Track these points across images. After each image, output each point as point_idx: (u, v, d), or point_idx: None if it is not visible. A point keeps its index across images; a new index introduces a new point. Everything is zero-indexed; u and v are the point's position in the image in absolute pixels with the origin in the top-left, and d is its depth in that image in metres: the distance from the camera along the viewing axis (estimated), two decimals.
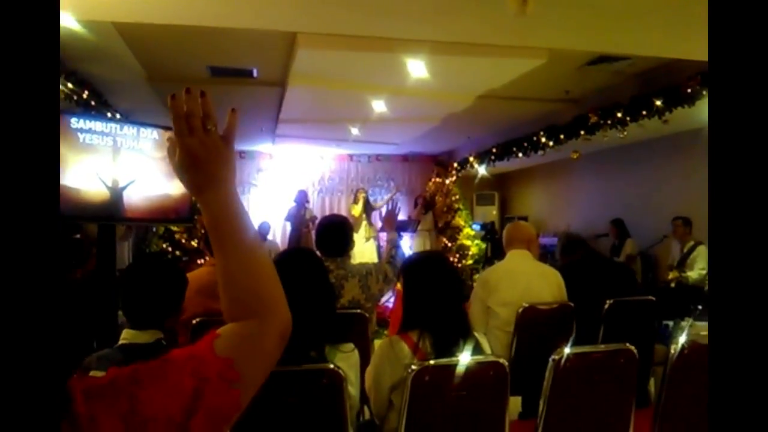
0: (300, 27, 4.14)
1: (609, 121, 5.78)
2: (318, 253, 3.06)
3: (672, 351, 2.01)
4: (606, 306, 3.08)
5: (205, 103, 0.85)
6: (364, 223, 8.78)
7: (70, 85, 4.88)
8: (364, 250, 8.38)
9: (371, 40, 4.32)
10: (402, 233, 8.38)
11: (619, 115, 5.60)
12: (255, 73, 5.69)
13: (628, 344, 1.97)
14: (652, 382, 3.28)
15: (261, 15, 3.79)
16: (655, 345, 3.34)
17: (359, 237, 8.46)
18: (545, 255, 8.56)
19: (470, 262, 9.48)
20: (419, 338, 1.94)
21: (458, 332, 1.98)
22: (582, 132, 6.27)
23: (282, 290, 0.87)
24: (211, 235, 0.86)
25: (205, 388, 0.71)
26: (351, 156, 11.11)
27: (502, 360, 1.84)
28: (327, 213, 10.16)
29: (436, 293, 2.03)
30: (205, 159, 0.85)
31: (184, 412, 0.69)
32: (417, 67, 4.80)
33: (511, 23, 3.54)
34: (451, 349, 1.89)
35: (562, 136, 6.69)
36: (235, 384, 0.74)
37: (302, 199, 9.16)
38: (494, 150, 8.42)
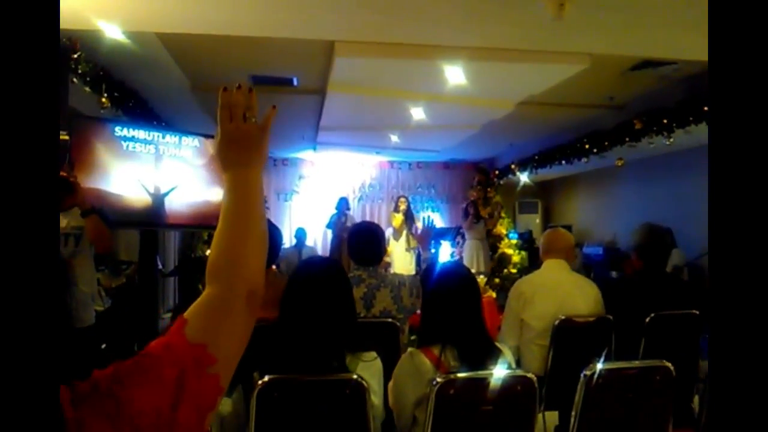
0: (337, 35, 4.17)
1: (654, 128, 5.61)
2: (351, 261, 3.06)
3: None
4: (647, 320, 2.97)
5: (250, 97, 0.97)
6: (405, 232, 8.57)
7: (116, 94, 5.03)
8: (403, 260, 8.24)
9: (408, 47, 4.31)
10: (440, 240, 8.24)
11: (665, 121, 5.43)
12: (295, 82, 5.76)
13: (665, 361, 1.89)
14: (696, 399, 3.15)
15: (300, 24, 3.84)
16: (700, 361, 3.20)
17: (400, 245, 8.35)
18: (589, 267, 8.37)
19: (514, 270, 9.33)
20: (441, 352, 1.89)
21: (483, 345, 1.93)
22: (627, 139, 6.10)
23: (259, 261, 0.91)
24: (223, 205, 0.93)
25: (184, 377, 0.73)
26: (391, 163, 11.11)
27: (530, 375, 1.79)
28: (367, 220, 10.14)
29: (457, 304, 1.97)
30: (238, 142, 0.95)
31: (170, 403, 0.70)
32: (455, 74, 4.76)
33: (549, 28, 3.48)
34: (478, 363, 1.84)
35: (606, 143, 6.53)
36: (213, 368, 0.76)
37: (343, 206, 9.21)
38: (536, 157, 8.27)
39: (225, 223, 0.91)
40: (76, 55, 4.26)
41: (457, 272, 2.12)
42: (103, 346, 3.95)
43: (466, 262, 8.80)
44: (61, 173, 2.87)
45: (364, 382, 1.66)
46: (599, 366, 1.81)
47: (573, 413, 1.85)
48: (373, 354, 1.83)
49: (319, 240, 10.48)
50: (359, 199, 11.04)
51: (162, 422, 0.69)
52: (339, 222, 8.98)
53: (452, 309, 1.97)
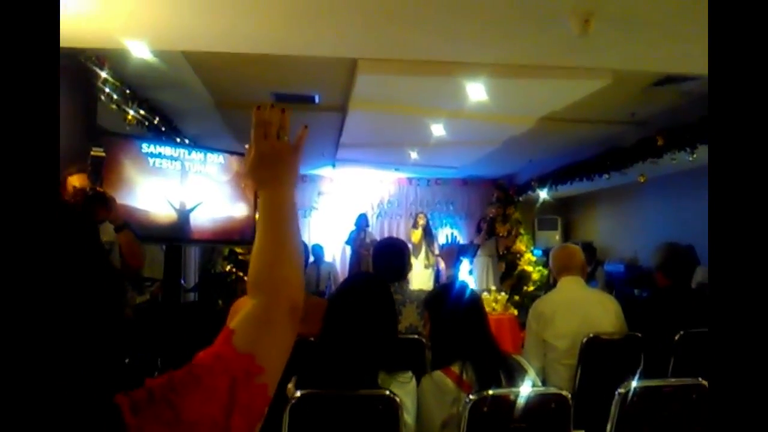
0: (361, 53, 4.21)
1: (677, 144, 5.56)
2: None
3: None
4: (677, 338, 2.91)
5: (284, 117, 1.01)
6: (424, 248, 8.53)
7: (142, 111, 5.10)
8: (422, 276, 8.19)
9: (430, 64, 4.33)
10: (461, 257, 8.19)
11: (688, 137, 5.38)
12: (317, 99, 5.81)
13: (701, 379, 1.86)
14: None
15: (323, 42, 3.87)
16: None
17: (419, 261, 8.31)
18: (611, 284, 8.26)
19: (532, 288, 9.24)
20: (462, 370, 1.87)
21: (500, 360, 1.92)
22: (649, 155, 6.05)
23: (298, 276, 0.94)
24: (260, 221, 0.96)
25: (236, 386, 0.75)
26: (410, 179, 11.12)
27: (564, 392, 1.77)
28: (391, 236, 10.13)
29: (466, 321, 1.98)
30: (272, 160, 0.98)
31: (224, 412, 0.72)
32: (476, 90, 4.77)
33: (573, 44, 3.48)
34: (501, 378, 1.83)
35: (627, 160, 6.48)
36: (261, 377, 0.78)
37: (362, 222, 9.23)
38: (556, 173, 8.23)
39: (262, 240, 0.94)
40: (103, 74, 4.35)
41: (459, 290, 2.12)
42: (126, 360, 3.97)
43: (476, 279, 8.74)
44: (97, 188, 2.94)
45: (397, 399, 1.65)
46: (634, 384, 1.79)
47: (608, 430, 1.82)
48: (409, 374, 1.82)
49: (338, 256, 10.49)
50: (378, 216, 11.04)
51: (217, 431, 0.71)
52: (358, 238, 9.00)
53: (463, 327, 1.97)
